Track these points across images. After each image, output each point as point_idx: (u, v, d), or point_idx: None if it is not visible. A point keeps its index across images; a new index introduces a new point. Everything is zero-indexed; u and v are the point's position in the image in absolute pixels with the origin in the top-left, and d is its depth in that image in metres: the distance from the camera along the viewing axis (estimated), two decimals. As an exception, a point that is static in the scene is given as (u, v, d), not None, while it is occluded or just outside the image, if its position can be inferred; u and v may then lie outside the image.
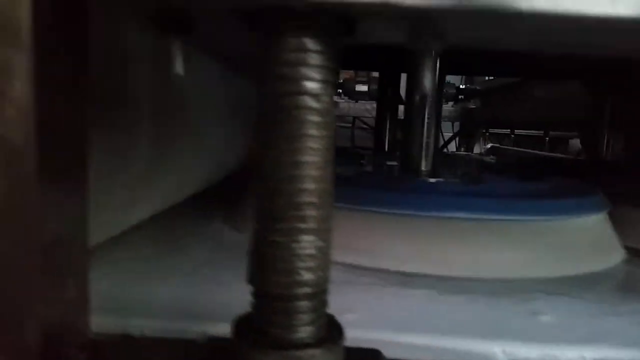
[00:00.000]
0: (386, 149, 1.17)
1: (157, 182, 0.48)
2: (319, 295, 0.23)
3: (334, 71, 0.21)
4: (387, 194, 0.50)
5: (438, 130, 0.76)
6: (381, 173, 0.76)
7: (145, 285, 0.36)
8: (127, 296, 0.34)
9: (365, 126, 1.96)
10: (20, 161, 0.19)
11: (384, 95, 1.17)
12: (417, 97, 0.68)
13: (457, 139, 2.00)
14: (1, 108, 0.19)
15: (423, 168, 0.69)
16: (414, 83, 0.68)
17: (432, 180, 0.67)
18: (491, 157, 1.33)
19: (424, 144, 0.69)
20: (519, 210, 0.48)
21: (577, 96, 1.12)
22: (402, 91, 1.02)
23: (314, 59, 0.21)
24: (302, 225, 0.22)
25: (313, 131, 0.21)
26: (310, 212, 0.22)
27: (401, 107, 1.06)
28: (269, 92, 0.21)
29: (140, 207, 0.45)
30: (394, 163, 0.78)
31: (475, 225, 0.46)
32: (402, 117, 0.89)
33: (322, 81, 0.21)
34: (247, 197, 0.61)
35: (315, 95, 0.21)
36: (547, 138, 1.77)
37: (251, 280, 0.23)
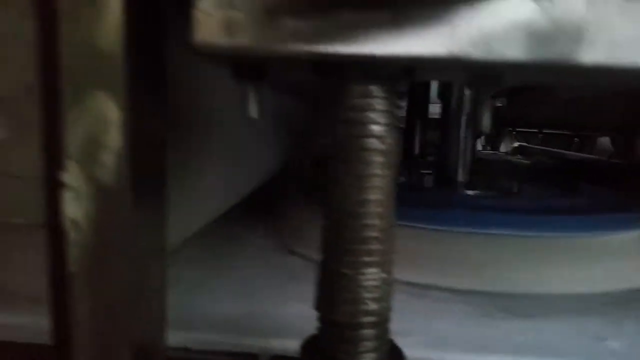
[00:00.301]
0: (416, 151, 1.16)
1: (207, 195, 0.50)
2: (383, 323, 0.24)
3: (397, 114, 0.23)
4: (427, 210, 0.51)
5: (475, 139, 0.76)
6: (417, 184, 0.76)
7: (200, 301, 0.38)
8: (187, 311, 0.36)
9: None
10: (116, 200, 0.21)
11: (414, 93, 1.16)
12: (454, 104, 0.68)
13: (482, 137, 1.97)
14: (99, 155, 0.21)
15: (460, 179, 0.69)
16: (447, 87, 0.69)
17: (470, 192, 0.68)
18: (520, 157, 1.32)
19: (460, 154, 0.69)
20: (564, 228, 0.49)
21: (610, 97, 1.10)
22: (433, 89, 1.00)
23: (379, 104, 0.22)
24: (368, 259, 0.23)
25: (378, 171, 0.23)
26: (375, 246, 0.23)
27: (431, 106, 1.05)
28: (337, 134, 0.23)
29: (193, 221, 0.47)
30: (428, 171, 0.79)
31: (518, 241, 0.47)
32: (434, 117, 0.87)
33: (387, 124, 0.22)
34: (283, 210, 0.63)
35: (380, 138, 0.22)
36: (576, 138, 1.74)
37: (318, 307, 0.24)
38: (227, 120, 0.53)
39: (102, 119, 0.21)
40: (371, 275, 0.23)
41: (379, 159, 0.22)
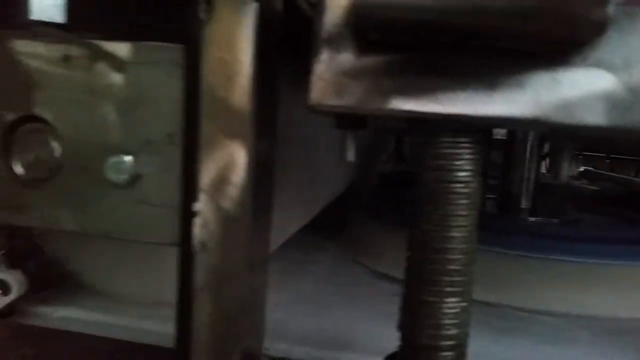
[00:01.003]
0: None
1: (286, 212, 0.54)
2: (461, 347, 0.27)
3: (481, 160, 0.26)
4: (495, 234, 0.55)
5: (539, 164, 0.76)
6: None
7: (284, 313, 0.42)
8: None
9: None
10: (238, 226, 0.25)
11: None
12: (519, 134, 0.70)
13: (546, 160, 1.93)
14: (226, 189, 0.25)
15: (523, 206, 0.70)
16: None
17: (532, 219, 0.69)
18: (585, 182, 1.29)
19: (524, 180, 0.70)
20: (618, 256, 0.52)
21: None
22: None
23: (466, 152, 0.25)
24: (450, 289, 0.26)
25: (462, 212, 0.26)
26: (457, 278, 0.26)
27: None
28: (425, 177, 0.26)
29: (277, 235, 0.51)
30: (491, 196, 0.80)
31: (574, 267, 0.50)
32: (497, 137, 0.88)
33: (472, 171, 0.25)
34: (350, 227, 0.67)
35: (465, 183, 0.25)
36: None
37: (401, 328, 0.28)
38: (306, 142, 0.57)
39: (231, 161, 0.25)
40: (452, 304, 0.26)
41: (463, 201, 0.25)
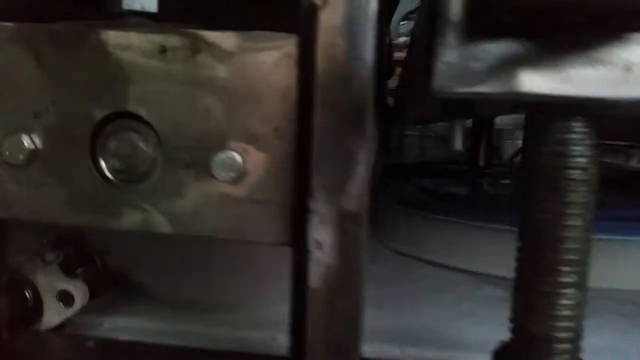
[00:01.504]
0: (481, 164, 1.18)
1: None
2: (576, 340, 0.26)
3: (597, 145, 0.25)
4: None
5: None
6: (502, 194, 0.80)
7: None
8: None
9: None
10: (356, 224, 0.24)
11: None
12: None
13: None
14: (345, 185, 0.24)
15: None
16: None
17: None
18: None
19: None
20: None
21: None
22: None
23: (586, 138, 0.25)
24: (567, 279, 0.25)
25: (581, 199, 0.25)
26: (575, 267, 0.25)
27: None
28: (543, 164, 0.25)
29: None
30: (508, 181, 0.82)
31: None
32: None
33: (591, 156, 0.25)
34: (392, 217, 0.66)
35: (585, 169, 0.25)
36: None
37: (515, 319, 0.27)
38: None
39: (350, 155, 0.24)
40: (570, 294, 0.26)
41: (583, 188, 0.25)
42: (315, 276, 0.25)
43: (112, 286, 0.41)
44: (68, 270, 0.38)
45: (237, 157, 0.25)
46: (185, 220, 0.26)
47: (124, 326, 0.39)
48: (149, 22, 0.27)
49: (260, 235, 0.26)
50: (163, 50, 0.25)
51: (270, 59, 0.24)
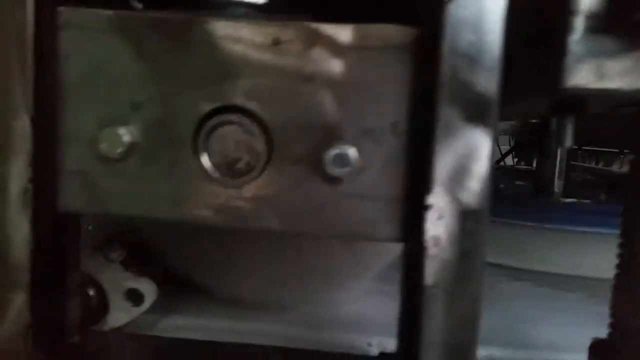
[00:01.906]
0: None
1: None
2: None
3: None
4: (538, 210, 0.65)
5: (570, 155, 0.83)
6: (513, 192, 0.84)
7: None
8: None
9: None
10: (475, 220, 0.24)
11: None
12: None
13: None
14: (465, 181, 0.23)
15: (556, 190, 0.75)
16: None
17: (568, 200, 0.74)
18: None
19: (557, 169, 0.75)
20: None
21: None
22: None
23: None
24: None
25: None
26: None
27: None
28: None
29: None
30: (522, 182, 0.86)
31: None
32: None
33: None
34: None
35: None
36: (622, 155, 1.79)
37: (614, 314, 0.27)
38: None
39: (472, 149, 0.23)
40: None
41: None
42: (432, 274, 0.24)
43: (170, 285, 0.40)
44: (132, 268, 0.36)
45: (351, 153, 0.24)
46: (293, 217, 0.25)
47: (183, 325, 0.38)
48: (258, 13, 0.26)
49: (373, 233, 0.25)
50: (276, 42, 0.24)
51: (388, 52, 0.24)
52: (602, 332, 0.28)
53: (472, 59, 0.23)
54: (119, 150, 0.25)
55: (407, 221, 0.25)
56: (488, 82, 0.23)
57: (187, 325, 0.38)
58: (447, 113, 0.23)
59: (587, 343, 0.28)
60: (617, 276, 0.27)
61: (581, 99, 0.26)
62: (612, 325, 0.28)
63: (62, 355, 0.29)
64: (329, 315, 0.42)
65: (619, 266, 0.27)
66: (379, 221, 0.25)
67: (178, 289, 0.42)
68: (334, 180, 0.25)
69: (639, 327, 0.26)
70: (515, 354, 0.38)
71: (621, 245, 0.27)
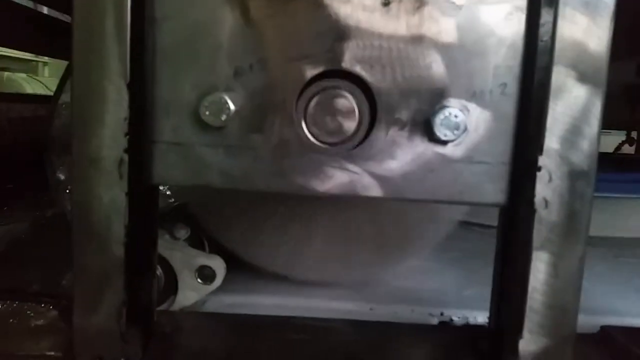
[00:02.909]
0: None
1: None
2: None
3: None
4: None
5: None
6: None
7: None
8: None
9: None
10: (584, 181, 0.24)
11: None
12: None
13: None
14: (577, 141, 0.23)
15: None
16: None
17: None
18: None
19: None
20: None
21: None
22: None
23: None
24: None
25: None
26: None
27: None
28: None
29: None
30: None
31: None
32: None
33: None
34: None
35: None
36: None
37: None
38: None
39: (585, 110, 0.23)
40: None
41: None
42: (539, 236, 0.24)
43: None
44: (200, 247, 0.36)
45: (460, 115, 0.24)
46: (397, 183, 0.25)
47: (231, 303, 0.38)
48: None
49: (478, 197, 0.25)
50: (386, 3, 0.24)
51: (500, 12, 0.24)
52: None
53: (586, 18, 0.23)
54: (224, 118, 0.24)
55: (515, 184, 0.25)
56: (600, 41, 0.23)
57: (235, 303, 0.37)
58: (560, 74, 0.23)
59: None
60: None
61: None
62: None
63: (150, 335, 0.29)
64: (380, 290, 0.42)
65: None
66: (486, 185, 0.25)
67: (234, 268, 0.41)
68: (442, 144, 0.24)
69: None
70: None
71: None
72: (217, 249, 0.39)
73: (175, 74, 0.25)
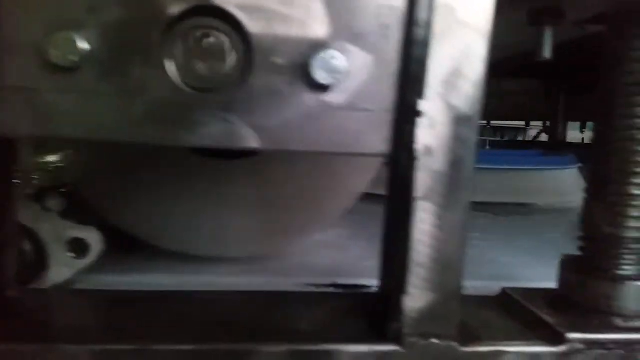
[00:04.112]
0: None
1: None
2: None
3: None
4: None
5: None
6: None
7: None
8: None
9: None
10: (468, 126, 0.23)
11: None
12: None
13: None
14: (459, 85, 0.23)
15: None
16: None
17: None
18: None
19: None
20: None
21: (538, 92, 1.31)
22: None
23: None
24: (636, 191, 0.26)
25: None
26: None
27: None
28: (620, 70, 0.26)
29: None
30: None
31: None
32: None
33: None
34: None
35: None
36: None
37: (587, 225, 0.28)
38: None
39: (467, 52, 0.22)
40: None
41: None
42: (424, 186, 0.23)
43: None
44: (73, 218, 0.32)
45: (339, 58, 0.22)
46: (276, 133, 0.23)
47: (130, 282, 0.35)
48: None
49: (361, 147, 0.24)
50: None
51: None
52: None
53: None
54: (72, 58, 0.21)
55: (398, 132, 0.24)
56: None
57: (135, 282, 0.34)
58: (442, 15, 0.22)
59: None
60: (590, 186, 0.28)
61: (558, 8, 0.26)
62: (585, 237, 0.28)
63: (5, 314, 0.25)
64: (280, 265, 0.40)
65: (591, 174, 0.28)
66: (369, 134, 0.24)
67: (121, 246, 0.38)
68: (321, 89, 0.23)
69: (613, 233, 0.27)
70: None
71: (594, 155, 0.28)
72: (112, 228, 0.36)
73: (21, 10, 0.22)
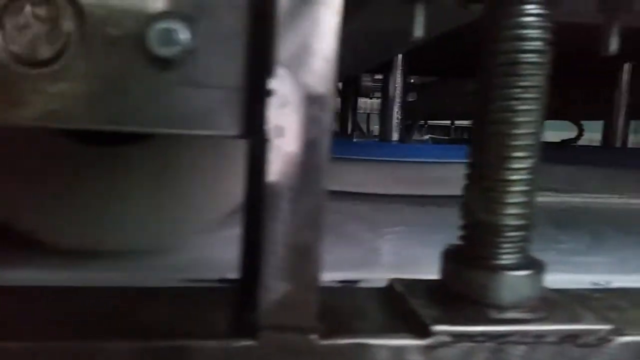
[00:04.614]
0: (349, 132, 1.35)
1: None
2: (527, 227, 0.26)
3: (549, 29, 0.25)
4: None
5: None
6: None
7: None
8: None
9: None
10: (322, 106, 0.22)
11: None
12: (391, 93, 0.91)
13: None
14: (310, 61, 0.21)
15: (394, 138, 0.93)
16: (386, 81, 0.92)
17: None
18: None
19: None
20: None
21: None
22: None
23: (535, 21, 0.25)
24: (519, 165, 0.25)
25: (537, 83, 0.25)
26: (527, 153, 0.25)
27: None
28: (494, 50, 0.25)
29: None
30: None
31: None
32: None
33: (542, 39, 0.25)
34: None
35: (535, 52, 0.25)
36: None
37: (466, 212, 0.27)
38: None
39: (316, 26, 0.21)
40: (522, 181, 0.26)
41: (539, 72, 0.25)
42: (276, 169, 0.22)
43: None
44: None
45: (180, 29, 0.21)
46: (111, 111, 0.21)
47: (16, 279, 0.32)
48: None
49: (209, 127, 0.22)
50: None
51: None
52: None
53: None
54: None
55: (251, 112, 0.22)
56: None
57: (21, 279, 0.32)
58: (288, -16, 0.21)
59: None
60: (469, 169, 0.27)
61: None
62: (464, 225, 0.27)
63: None
64: (172, 259, 0.39)
65: (470, 158, 0.27)
66: (219, 113, 0.22)
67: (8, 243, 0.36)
68: (162, 64, 0.21)
69: (492, 221, 0.26)
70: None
71: (472, 138, 0.27)
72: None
73: None
